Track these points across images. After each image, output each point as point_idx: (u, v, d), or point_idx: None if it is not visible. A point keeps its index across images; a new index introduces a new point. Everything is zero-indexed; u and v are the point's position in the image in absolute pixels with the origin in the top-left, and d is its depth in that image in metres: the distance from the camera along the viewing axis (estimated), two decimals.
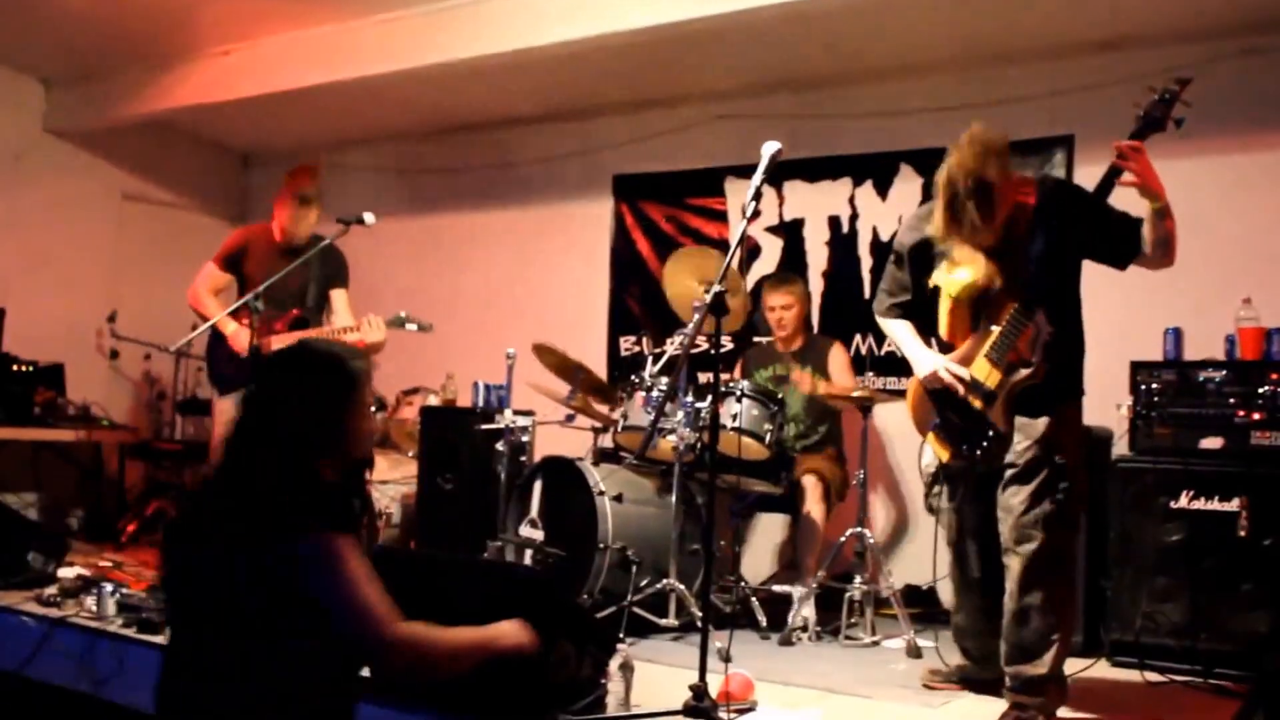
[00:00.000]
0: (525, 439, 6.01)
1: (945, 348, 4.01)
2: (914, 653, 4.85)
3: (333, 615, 2.43)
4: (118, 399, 8.39)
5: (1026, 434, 3.78)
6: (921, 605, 5.43)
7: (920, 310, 4.15)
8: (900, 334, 4.19)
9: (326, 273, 5.80)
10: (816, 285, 6.79)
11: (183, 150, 8.46)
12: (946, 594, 4.30)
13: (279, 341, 5.41)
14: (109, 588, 4.83)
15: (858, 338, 6.59)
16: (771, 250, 7.04)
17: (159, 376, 8.27)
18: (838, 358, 5.94)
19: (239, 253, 5.95)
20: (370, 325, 5.61)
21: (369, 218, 5.31)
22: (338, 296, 5.92)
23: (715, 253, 5.40)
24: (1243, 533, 4.66)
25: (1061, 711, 3.85)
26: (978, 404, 3.81)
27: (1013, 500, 3.78)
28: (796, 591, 5.32)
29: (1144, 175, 3.57)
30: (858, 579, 5.20)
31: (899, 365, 5.85)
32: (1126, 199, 3.71)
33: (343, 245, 5.52)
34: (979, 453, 3.83)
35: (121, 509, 7.83)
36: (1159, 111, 3.62)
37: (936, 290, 3.98)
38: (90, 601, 4.82)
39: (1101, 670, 4.78)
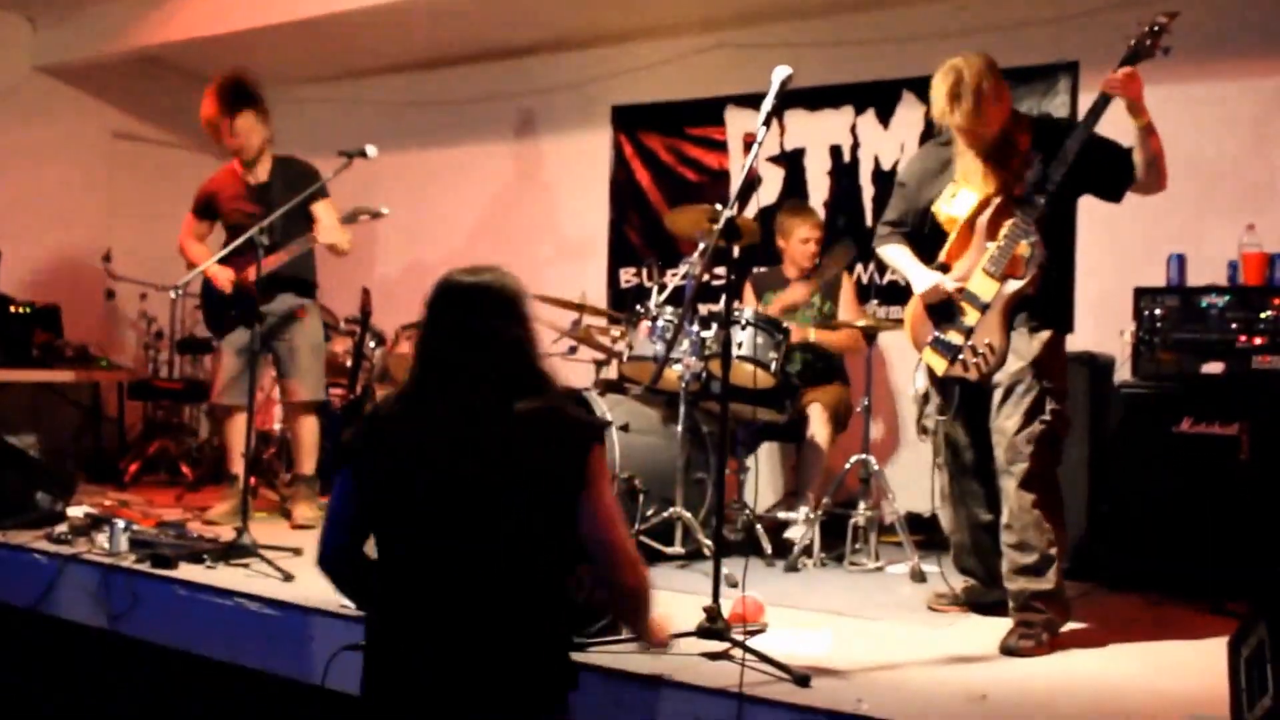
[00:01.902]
0: None
1: (946, 271, 4.15)
2: (918, 578, 4.98)
3: (595, 521, 2.64)
4: (115, 339, 8.47)
5: (1019, 355, 3.92)
6: (924, 532, 5.54)
7: (920, 241, 4.28)
8: (899, 257, 4.33)
9: (299, 191, 5.59)
10: (819, 214, 6.84)
11: (174, 86, 8.43)
12: (946, 518, 4.42)
13: (266, 266, 5.40)
14: (120, 524, 4.92)
15: (859, 267, 6.66)
16: (773, 180, 7.07)
17: (156, 315, 8.31)
18: (846, 289, 6.05)
19: (208, 200, 6.00)
20: (326, 230, 5.70)
21: (371, 150, 5.34)
22: (321, 210, 5.86)
23: (709, 207, 5.43)
24: (1243, 456, 4.78)
25: (1064, 628, 4.00)
26: (973, 314, 3.97)
27: (1006, 422, 3.93)
28: (800, 518, 5.47)
29: (1136, 97, 3.76)
30: (861, 505, 5.32)
31: (902, 294, 5.94)
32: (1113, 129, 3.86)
33: (343, 180, 5.50)
34: (975, 360, 3.96)
35: (122, 449, 7.93)
36: (1147, 41, 3.79)
37: (937, 223, 4.16)
38: (101, 539, 4.92)
39: (1103, 592, 4.93)
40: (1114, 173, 3.93)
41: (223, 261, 5.65)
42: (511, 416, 2.61)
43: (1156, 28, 3.77)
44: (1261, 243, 5.18)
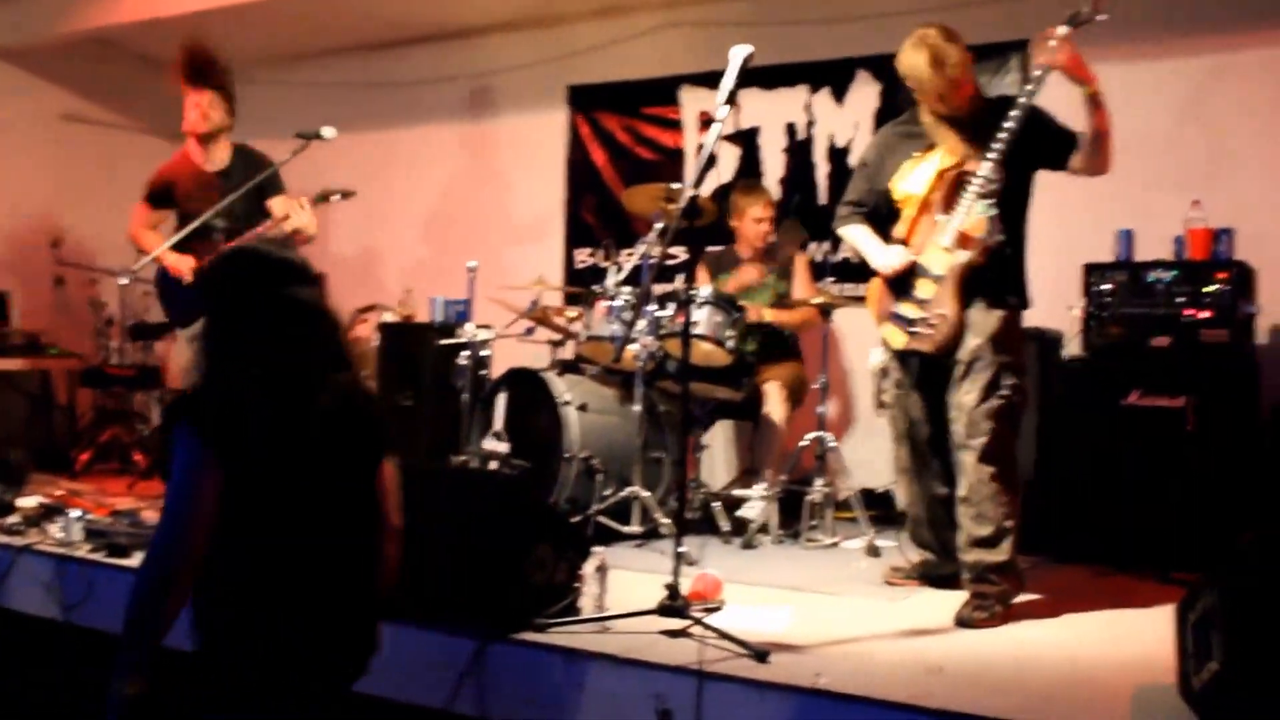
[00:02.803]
0: (485, 353, 6.08)
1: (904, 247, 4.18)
2: (873, 553, 5.02)
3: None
4: (65, 326, 8.33)
5: (977, 331, 3.97)
6: (879, 507, 5.60)
7: (879, 221, 4.33)
8: (858, 236, 4.37)
9: (255, 188, 5.48)
10: (774, 193, 6.87)
11: (124, 68, 8.35)
12: (903, 492, 4.48)
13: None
14: (74, 514, 4.87)
15: (814, 245, 6.69)
16: (728, 158, 7.10)
17: (107, 301, 8.22)
18: (800, 267, 6.07)
19: (165, 188, 5.88)
20: (296, 212, 5.56)
21: (328, 132, 5.28)
22: (278, 205, 5.70)
23: (665, 186, 5.44)
24: (1190, 428, 4.85)
25: (1017, 599, 4.06)
26: (928, 285, 4.02)
27: (964, 397, 3.98)
28: (757, 495, 5.51)
29: (1073, 63, 3.81)
30: (817, 482, 5.35)
31: (856, 271, 6.01)
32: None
33: (297, 161, 5.46)
34: (929, 331, 4.01)
35: (74, 438, 7.84)
36: (1086, 7, 3.85)
37: (892, 199, 4.22)
38: (54, 529, 4.85)
39: (1053, 564, 5.00)
40: (1056, 147, 4.00)
41: (180, 249, 5.60)
42: (340, 389, 2.66)
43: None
44: (1207, 218, 5.24)
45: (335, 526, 2.63)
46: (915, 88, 4.05)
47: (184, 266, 5.67)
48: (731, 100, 3.64)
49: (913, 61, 3.99)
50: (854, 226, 4.39)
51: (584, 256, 7.55)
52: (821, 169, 6.80)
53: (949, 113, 4.05)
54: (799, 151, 6.90)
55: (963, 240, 3.94)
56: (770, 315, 5.80)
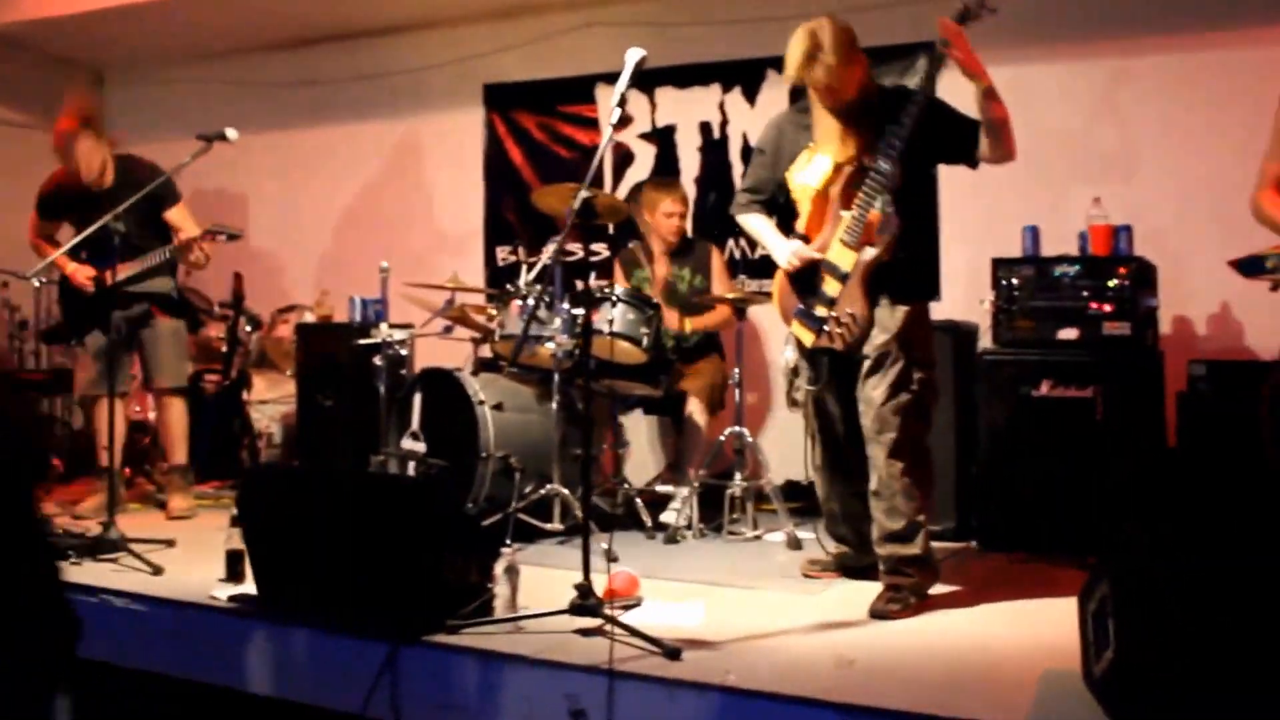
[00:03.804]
0: (404, 352, 6.01)
1: (806, 243, 4.13)
2: (794, 544, 5.02)
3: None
4: None
5: (884, 328, 3.95)
6: (801, 499, 5.59)
7: (777, 209, 4.30)
8: (758, 226, 4.33)
9: (143, 199, 5.29)
10: (690, 191, 6.84)
11: (30, 67, 8.12)
12: (820, 487, 4.46)
13: (124, 271, 5.36)
14: None
15: (730, 241, 6.68)
16: (645, 156, 7.07)
17: (20, 305, 8.02)
18: (716, 263, 6.04)
19: (53, 199, 5.82)
20: (192, 227, 5.58)
21: (231, 133, 5.15)
22: (176, 216, 5.73)
23: (575, 185, 5.39)
24: (1098, 417, 4.90)
25: (932, 590, 4.06)
26: (835, 283, 3.97)
27: (873, 393, 3.96)
28: (679, 491, 5.48)
29: (966, 58, 3.77)
30: (738, 476, 5.34)
31: (771, 267, 5.96)
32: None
33: (205, 163, 5.25)
34: (839, 330, 3.98)
35: None
36: (974, 3, 3.80)
37: (789, 191, 4.18)
38: None
39: (971, 553, 5.03)
40: (960, 138, 3.96)
41: (77, 254, 5.51)
42: None
43: None
44: (1108, 214, 5.28)
45: None
46: (793, 78, 3.99)
47: (83, 276, 5.60)
48: (624, 102, 3.62)
49: (789, 55, 3.93)
50: (753, 215, 4.34)
51: (505, 254, 7.47)
52: (737, 168, 6.77)
53: (832, 105, 3.98)
54: (714, 149, 6.88)
55: (868, 236, 3.90)
56: (690, 325, 5.78)
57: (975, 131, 3.92)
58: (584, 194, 3.66)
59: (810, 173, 4.07)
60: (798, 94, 4.12)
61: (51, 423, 7.71)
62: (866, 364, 3.97)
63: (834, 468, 4.32)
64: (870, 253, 3.90)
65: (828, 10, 5.86)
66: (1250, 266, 3.78)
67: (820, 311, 4.02)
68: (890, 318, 3.96)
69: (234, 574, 4.14)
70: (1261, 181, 3.79)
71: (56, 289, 5.94)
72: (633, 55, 3.61)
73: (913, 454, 3.97)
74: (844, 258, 3.95)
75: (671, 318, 5.71)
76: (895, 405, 3.93)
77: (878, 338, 3.95)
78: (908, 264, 3.98)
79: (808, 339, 4.10)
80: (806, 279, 4.07)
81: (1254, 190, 3.78)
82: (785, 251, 4.12)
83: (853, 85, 3.95)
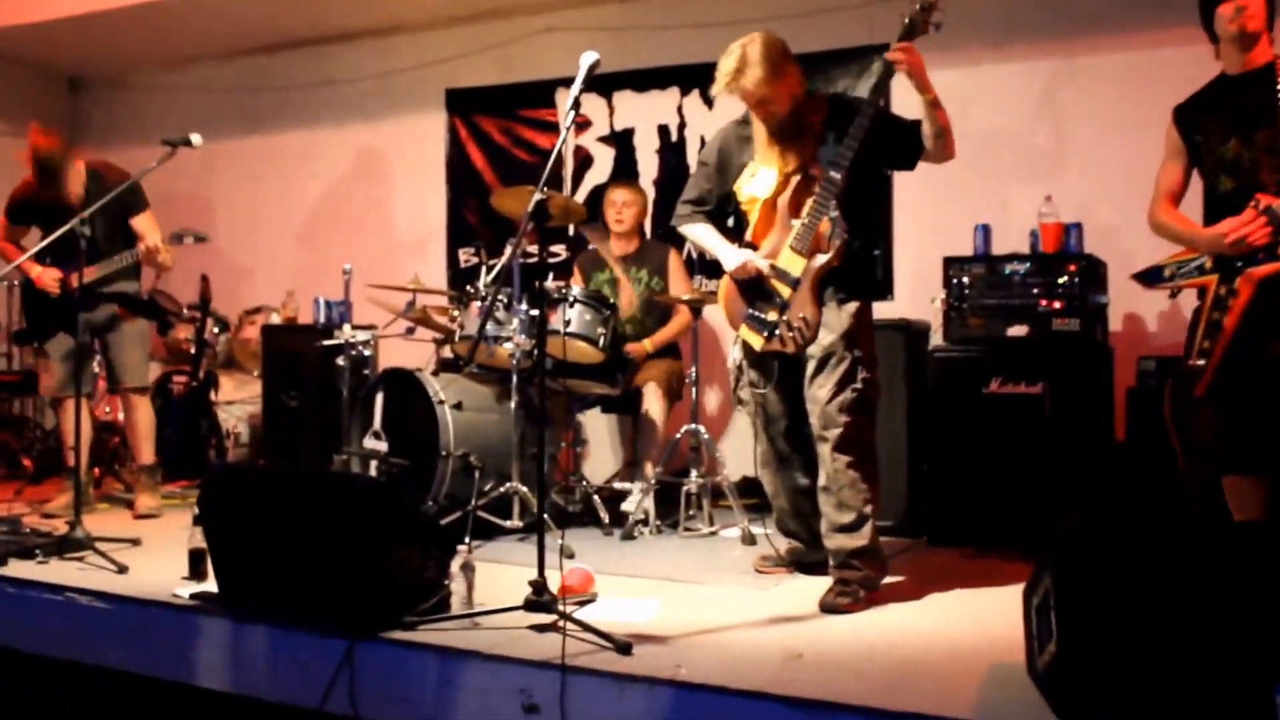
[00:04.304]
0: (367, 353, 6.00)
1: (754, 250, 4.14)
2: (749, 540, 5.04)
3: None
4: None
5: (830, 328, 3.96)
6: (756, 495, 5.59)
7: (720, 218, 4.31)
8: (704, 235, 4.32)
9: (112, 205, 5.25)
10: (648, 193, 6.84)
11: (3, 73, 8.06)
12: (767, 484, 4.47)
13: (89, 274, 5.32)
14: None
15: (688, 243, 6.65)
16: (604, 159, 7.07)
17: None
18: (674, 265, 6.05)
19: (23, 205, 5.76)
20: (156, 235, 5.53)
21: (195, 139, 5.10)
22: (142, 224, 5.67)
23: (534, 188, 5.39)
24: (1047, 413, 4.93)
25: (882, 583, 4.07)
26: (785, 290, 3.98)
27: (819, 391, 3.97)
28: (636, 488, 5.49)
29: (915, 69, 3.78)
30: (694, 473, 5.35)
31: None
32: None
33: (174, 168, 5.18)
34: (792, 335, 3.99)
35: None
36: (920, 18, 3.81)
37: (739, 202, 4.19)
38: None
39: (922, 548, 5.05)
40: (903, 144, 3.99)
41: (44, 258, 5.47)
42: None
43: (926, 5, 3.80)
44: (1058, 212, 5.32)
45: None
46: (724, 91, 3.99)
47: (49, 279, 5.58)
48: (578, 105, 3.60)
49: (719, 68, 3.96)
50: (697, 225, 4.33)
51: (467, 256, 7.46)
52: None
53: (765, 118, 4.01)
54: (672, 152, 6.89)
55: (817, 243, 3.92)
56: (651, 345, 5.81)
57: (917, 137, 3.94)
58: (539, 196, 3.64)
59: (757, 184, 4.09)
60: None
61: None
62: (812, 364, 3.99)
63: (779, 465, 4.33)
64: (821, 259, 3.91)
65: (784, 14, 5.99)
66: (1150, 277, 3.86)
67: (771, 316, 4.02)
68: (836, 318, 3.98)
69: (196, 572, 4.13)
70: (1156, 195, 3.90)
71: (20, 293, 5.89)
72: (587, 58, 3.61)
73: (859, 449, 3.98)
74: (794, 264, 3.95)
75: (637, 348, 5.73)
76: (840, 403, 3.94)
77: (824, 338, 3.96)
78: (853, 265, 4.00)
79: (757, 343, 4.10)
80: (754, 284, 4.08)
81: (1150, 204, 3.87)
82: (735, 259, 4.11)
83: (784, 99, 3.96)
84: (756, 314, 4.07)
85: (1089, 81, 5.87)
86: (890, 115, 4.03)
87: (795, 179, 3.97)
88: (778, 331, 4.02)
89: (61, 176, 5.49)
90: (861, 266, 4.10)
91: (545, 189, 3.69)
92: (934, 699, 2.87)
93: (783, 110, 3.97)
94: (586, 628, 3.33)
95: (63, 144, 5.57)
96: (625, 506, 5.46)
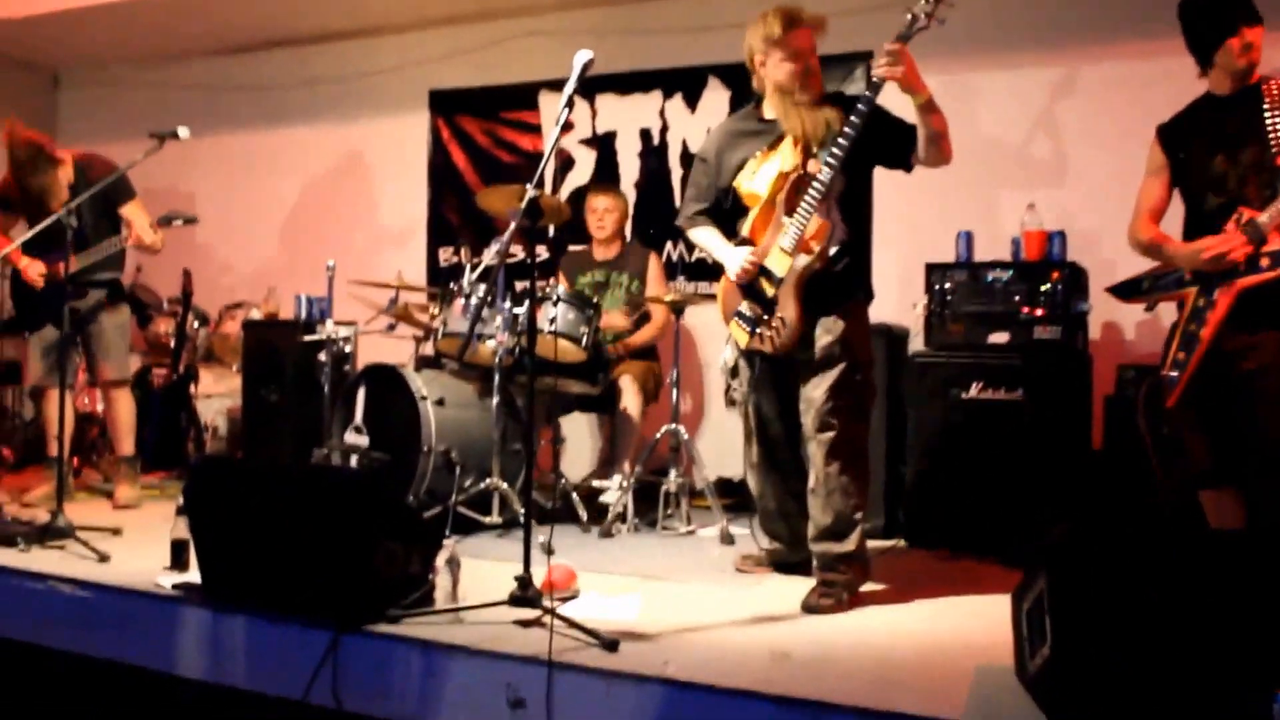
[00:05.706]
0: (348, 349, 5.91)
1: (751, 245, 4.06)
2: (727, 540, 4.96)
3: None
4: None
5: (826, 330, 3.88)
6: (734, 496, 5.55)
7: (721, 216, 4.21)
8: (707, 239, 4.23)
9: (99, 195, 5.18)
10: (629, 196, 6.77)
11: None
12: (755, 485, 4.39)
13: (75, 264, 5.20)
14: None
15: (669, 245, 6.63)
16: (585, 162, 7.00)
17: None
18: (654, 268, 5.98)
19: (10, 196, 5.66)
20: (144, 223, 5.46)
21: (183, 131, 5.00)
22: (130, 211, 5.58)
23: (519, 187, 5.33)
24: (1027, 419, 4.87)
25: (864, 587, 3.99)
26: (770, 289, 3.91)
27: (814, 393, 3.89)
28: (614, 483, 5.40)
29: (906, 73, 3.69)
30: (673, 472, 5.28)
31: (708, 271, 5.97)
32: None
33: (157, 164, 5.04)
34: (770, 334, 3.91)
35: None
36: (924, 13, 3.73)
37: (739, 197, 4.09)
38: None
39: (899, 551, 4.98)
40: (899, 144, 3.90)
41: (30, 250, 5.38)
42: None
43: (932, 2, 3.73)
44: (1042, 220, 5.27)
45: None
46: (765, 46, 3.95)
47: (35, 272, 5.52)
48: (572, 103, 3.53)
49: (765, 28, 3.93)
50: (702, 230, 4.24)
51: (448, 255, 7.37)
52: (676, 173, 6.71)
53: (802, 73, 3.93)
54: (653, 155, 6.82)
55: (803, 245, 3.83)
56: (627, 321, 5.76)
57: (913, 137, 3.86)
58: (532, 192, 3.55)
59: (758, 180, 4.00)
60: (740, 101, 4.04)
61: None
62: (809, 364, 3.90)
63: (769, 466, 4.24)
64: (804, 260, 3.82)
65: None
66: (1126, 290, 3.83)
67: (753, 313, 3.96)
68: (834, 320, 3.89)
69: (179, 562, 4.05)
70: (1137, 212, 3.89)
71: (8, 284, 5.80)
72: (580, 57, 3.53)
73: (851, 453, 3.90)
74: (780, 263, 3.87)
75: (613, 348, 5.68)
76: (835, 406, 3.86)
77: (822, 339, 3.88)
78: (850, 267, 3.92)
79: (743, 339, 4.04)
80: (750, 281, 4.00)
81: (1131, 221, 3.86)
82: (734, 264, 4.02)
83: (819, 77, 3.96)
84: (743, 311, 4.01)
85: (1074, 91, 5.82)
86: (886, 114, 3.90)
87: (793, 176, 3.88)
88: (759, 329, 3.95)
89: (42, 167, 5.40)
90: (859, 268, 4.02)
91: (536, 187, 3.61)
92: (922, 700, 2.80)
93: (817, 64, 3.94)
94: (572, 624, 3.24)
95: (48, 141, 5.50)
96: (605, 498, 5.38)
